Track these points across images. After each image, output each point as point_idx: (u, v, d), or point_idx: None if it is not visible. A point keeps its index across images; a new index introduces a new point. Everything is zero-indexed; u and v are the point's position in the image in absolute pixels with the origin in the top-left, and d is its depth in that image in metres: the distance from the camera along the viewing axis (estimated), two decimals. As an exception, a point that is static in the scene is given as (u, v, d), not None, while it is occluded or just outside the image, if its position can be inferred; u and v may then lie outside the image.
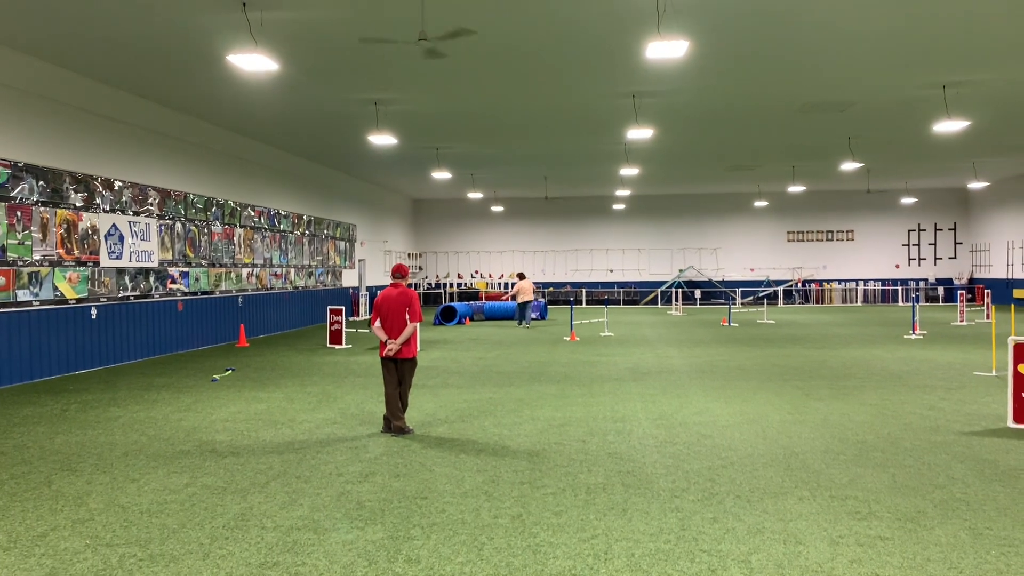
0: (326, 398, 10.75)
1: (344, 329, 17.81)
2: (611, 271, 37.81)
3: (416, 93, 15.12)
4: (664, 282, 37.12)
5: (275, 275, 22.03)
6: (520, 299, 23.29)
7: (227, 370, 13.65)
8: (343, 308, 18.15)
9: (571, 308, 21.37)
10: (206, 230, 18.24)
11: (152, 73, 13.49)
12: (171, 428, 8.82)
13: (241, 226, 20.05)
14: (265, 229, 21.45)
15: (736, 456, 7.27)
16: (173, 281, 16.75)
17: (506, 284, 37.83)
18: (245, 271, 20.21)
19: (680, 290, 33.00)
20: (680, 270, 37.09)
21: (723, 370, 13.24)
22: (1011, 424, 8.38)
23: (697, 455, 7.31)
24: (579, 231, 37.86)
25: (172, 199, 16.78)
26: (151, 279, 15.92)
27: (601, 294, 37.02)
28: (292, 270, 23.23)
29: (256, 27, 10.76)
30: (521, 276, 24.09)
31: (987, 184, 32.67)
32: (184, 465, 7.13)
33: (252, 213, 20.69)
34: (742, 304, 34.99)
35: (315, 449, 7.71)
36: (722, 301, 35.92)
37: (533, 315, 25.65)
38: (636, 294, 37.05)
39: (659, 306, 35.44)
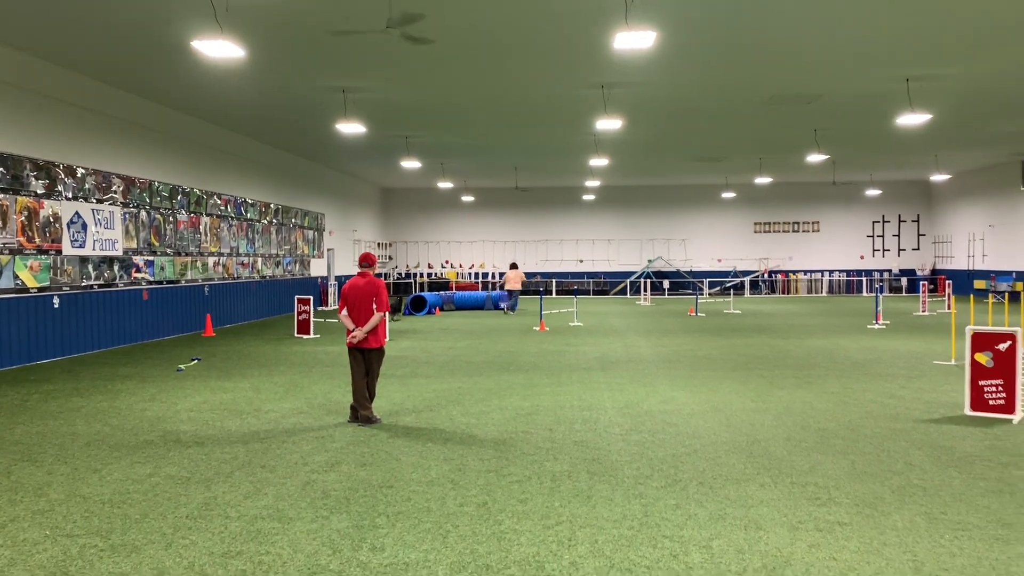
0: (293, 388, 10.69)
1: (312, 319, 17.70)
2: (581, 261, 37.95)
3: (385, 82, 15.02)
4: (633, 272, 37.34)
5: (242, 264, 21.80)
6: (508, 287, 25.74)
7: (193, 360, 13.50)
8: (311, 298, 18.03)
9: (541, 298, 21.44)
10: (171, 218, 17.99)
11: (116, 59, 13.24)
12: (135, 418, 8.72)
13: (207, 214, 19.80)
14: (232, 217, 21.20)
15: (700, 444, 7.36)
16: (138, 270, 16.51)
17: (476, 274, 37.81)
18: (211, 260, 19.97)
19: (649, 280, 33.25)
20: (649, 260, 37.33)
21: (689, 359, 13.38)
22: (968, 412, 8.58)
23: (662, 443, 7.39)
24: (549, 221, 37.92)
25: (137, 187, 16.51)
26: (115, 268, 15.67)
27: (571, 284, 37.13)
28: (259, 259, 23.00)
29: (221, 12, 10.61)
30: (514, 266, 26.50)
31: (949, 177, 33.25)
32: (147, 455, 7.06)
33: (218, 201, 20.43)
34: (709, 294, 35.30)
35: (281, 439, 7.67)
36: (690, 291, 36.23)
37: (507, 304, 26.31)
38: (605, 284, 37.23)
39: (628, 296, 35.65)
